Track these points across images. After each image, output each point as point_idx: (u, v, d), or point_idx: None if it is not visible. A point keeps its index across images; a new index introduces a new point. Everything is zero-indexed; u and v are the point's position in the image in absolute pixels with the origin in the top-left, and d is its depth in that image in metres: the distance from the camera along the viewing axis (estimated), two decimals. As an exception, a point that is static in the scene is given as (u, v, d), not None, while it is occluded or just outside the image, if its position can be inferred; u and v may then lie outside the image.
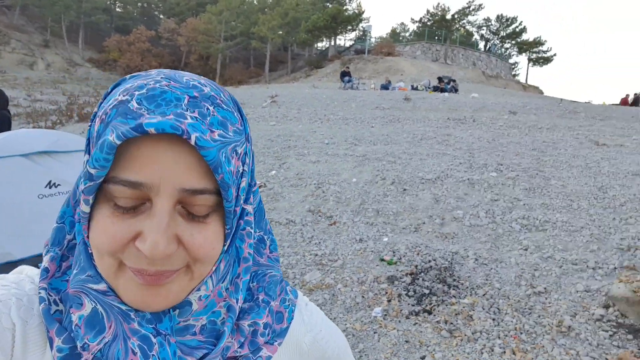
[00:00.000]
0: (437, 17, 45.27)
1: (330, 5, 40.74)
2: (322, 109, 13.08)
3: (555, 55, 44.48)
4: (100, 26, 47.14)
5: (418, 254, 3.98)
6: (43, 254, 0.52)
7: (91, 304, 0.45)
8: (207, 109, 0.43)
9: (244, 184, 0.47)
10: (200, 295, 0.47)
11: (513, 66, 47.31)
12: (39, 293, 0.48)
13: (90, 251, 0.46)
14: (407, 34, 54.79)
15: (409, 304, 3.26)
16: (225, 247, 0.47)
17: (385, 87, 20.54)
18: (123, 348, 0.43)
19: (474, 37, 45.52)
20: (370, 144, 8.15)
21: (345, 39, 47.07)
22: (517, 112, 12.71)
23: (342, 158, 7.10)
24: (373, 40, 43.08)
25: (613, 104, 18.74)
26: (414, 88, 20.20)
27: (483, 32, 45.58)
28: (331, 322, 0.64)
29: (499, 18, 44.72)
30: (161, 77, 0.44)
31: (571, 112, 13.28)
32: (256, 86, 26.63)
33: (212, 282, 0.47)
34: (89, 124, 0.46)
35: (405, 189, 5.61)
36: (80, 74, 37.16)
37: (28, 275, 0.51)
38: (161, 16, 53.74)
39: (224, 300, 0.49)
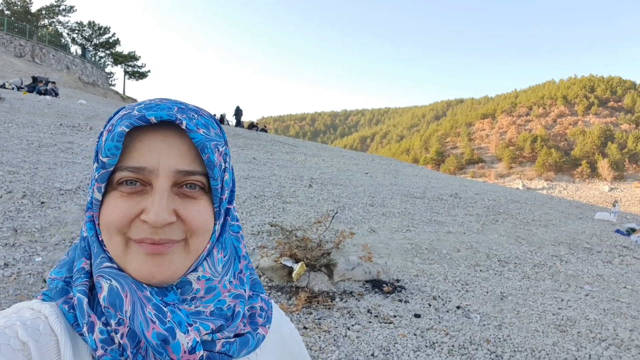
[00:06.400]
0: (16, 8, 38.89)
1: None
2: None
3: (149, 71, 47.22)
4: None
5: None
6: (75, 264, 0.55)
7: (107, 283, 0.49)
8: (193, 115, 0.53)
9: (227, 178, 0.56)
10: (199, 276, 0.54)
11: (109, 76, 46.92)
12: (78, 291, 0.51)
13: (100, 239, 0.52)
14: (-24, 18, 43.96)
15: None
16: (217, 229, 0.55)
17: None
18: (143, 319, 0.48)
19: (65, 38, 41.99)
20: (-31, 151, 6.46)
21: None
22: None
23: None
24: None
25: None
26: (1, 86, 16.74)
27: (75, 35, 42.77)
28: None
29: (91, 25, 43.17)
30: (154, 99, 0.55)
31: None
32: None
33: (208, 265, 0.55)
34: (97, 140, 0.53)
35: (43, 202, 4.92)
36: None
37: (25, 306, 0.51)
38: None
39: (229, 292, 0.57)
